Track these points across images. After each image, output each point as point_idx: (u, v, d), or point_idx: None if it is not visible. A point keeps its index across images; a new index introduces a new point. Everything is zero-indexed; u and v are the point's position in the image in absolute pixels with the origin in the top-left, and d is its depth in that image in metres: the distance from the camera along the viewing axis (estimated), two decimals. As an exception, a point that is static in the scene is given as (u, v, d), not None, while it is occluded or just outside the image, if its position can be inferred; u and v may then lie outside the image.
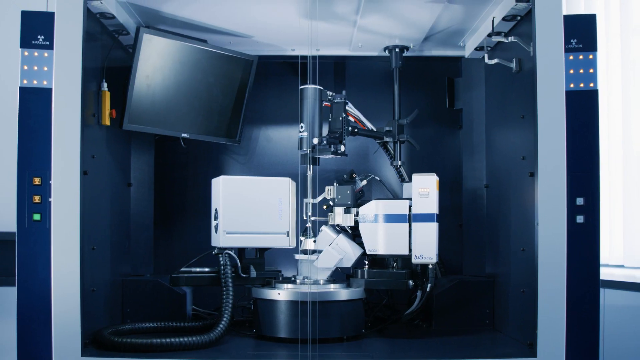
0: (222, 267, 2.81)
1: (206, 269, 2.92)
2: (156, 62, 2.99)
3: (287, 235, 2.92)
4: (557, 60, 2.46)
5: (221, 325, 2.63)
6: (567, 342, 2.41)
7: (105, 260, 2.82)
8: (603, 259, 3.85)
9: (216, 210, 2.91)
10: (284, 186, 2.91)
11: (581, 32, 2.62)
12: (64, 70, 2.45)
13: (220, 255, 2.83)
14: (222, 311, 2.67)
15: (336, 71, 3.59)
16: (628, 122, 3.71)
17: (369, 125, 3.10)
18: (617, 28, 3.76)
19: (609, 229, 3.83)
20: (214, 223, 2.95)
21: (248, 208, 2.88)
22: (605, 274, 3.74)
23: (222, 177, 2.89)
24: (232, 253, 2.88)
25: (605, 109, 3.83)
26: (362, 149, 3.53)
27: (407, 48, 3.28)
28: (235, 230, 2.86)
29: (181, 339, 2.50)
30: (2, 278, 3.56)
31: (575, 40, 2.61)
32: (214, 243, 2.95)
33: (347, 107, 3.03)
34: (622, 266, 3.75)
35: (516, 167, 2.72)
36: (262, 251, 2.97)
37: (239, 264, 2.87)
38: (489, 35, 2.82)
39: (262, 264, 2.94)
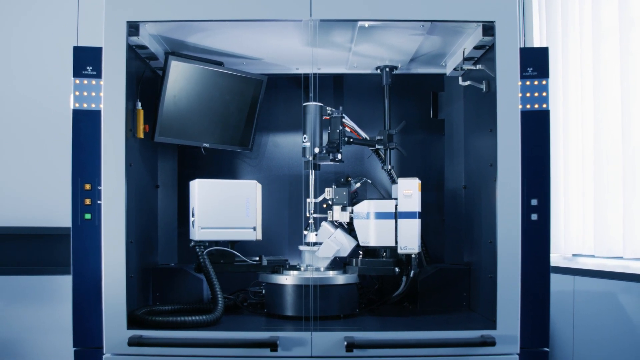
0: (200, 259, 2.99)
1: (221, 260, 3.15)
2: (182, 84, 3.22)
3: (254, 230, 3.12)
4: (514, 85, 2.70)
5: (219, 305, 2.85)
6: (521, 318, 2.67)
7: (139, 252, 3.04)
8: (576, 250, 4.05)
9: (193, 208, 3.08)
10: (251, 188, 3.14)
11: (536, 62, 2.85)
12: (111, 96, 2.69)
13: (197, 247, 3.02)
14: (215, 294, 2.91)
15: (335, 85, 3.82)
16: (599, 128, 3.89)
17: (363, 135, 3.33)
18: (589, 40, 3.98)
19: (583, 224, 4.04)
20: (191, 219, 3.11)
21: (220, 206, 3.07)
22: (577, 263, 3.93)
23: (197, 180, 3.06)
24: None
25: (580, 115, 4.05)
26: (358, 153, 3.78)
27: (395, 67, 3.46)
28: (208, 226, 3.05)
29: (190, 318, 2.75)
30: (60, 268, 3.92)
31: (531, 69, 2.84)
32: (191, 237, 3.10)
33: (343, 120, 3.26)
34: (593, 256, 3.96)
35: (486, 173, 2.91)
36: (232, 243, 3.16)
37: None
38: (463, 61, 3.10)
39: (233, 255, 3.17)
